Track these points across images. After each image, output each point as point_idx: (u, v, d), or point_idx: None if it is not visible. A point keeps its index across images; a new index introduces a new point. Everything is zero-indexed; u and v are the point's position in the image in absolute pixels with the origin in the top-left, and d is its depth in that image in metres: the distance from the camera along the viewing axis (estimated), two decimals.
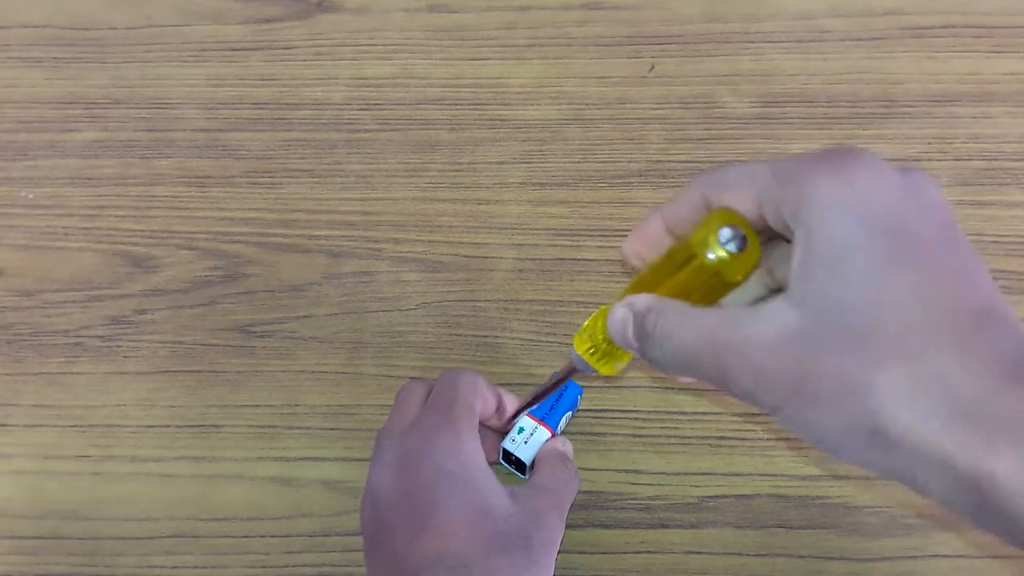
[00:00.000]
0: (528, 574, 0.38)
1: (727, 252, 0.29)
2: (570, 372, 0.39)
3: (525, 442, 0.45)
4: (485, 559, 0.37)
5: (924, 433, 0.25)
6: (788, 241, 0.29)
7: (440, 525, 0.37)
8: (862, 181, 0.27)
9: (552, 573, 0.39)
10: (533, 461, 0.45)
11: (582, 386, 0.48)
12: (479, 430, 0.43)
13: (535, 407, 0.45)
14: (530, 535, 0.39)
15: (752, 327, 0.28)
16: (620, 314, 0.33)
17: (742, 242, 0.29)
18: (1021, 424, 0.24)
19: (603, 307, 0.36)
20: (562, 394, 0.46)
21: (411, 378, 0.47)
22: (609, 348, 0.36)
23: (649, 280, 0.33)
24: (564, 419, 0.46)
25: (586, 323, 0.37)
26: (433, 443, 0.40)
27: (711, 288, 0.31)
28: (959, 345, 0.26)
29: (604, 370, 0.37)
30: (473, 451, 0.40)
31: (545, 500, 0.41)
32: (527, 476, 0.46)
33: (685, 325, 0.30)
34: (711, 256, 0.29)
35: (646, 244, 0.34)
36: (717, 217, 0.30)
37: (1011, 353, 0.26)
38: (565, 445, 0.46)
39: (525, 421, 0.45)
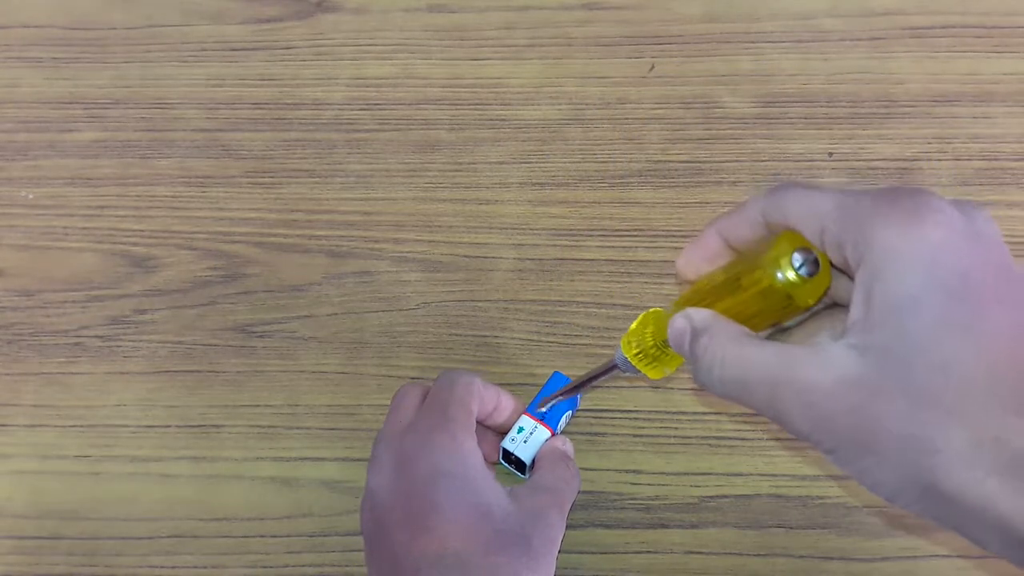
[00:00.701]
0: (528, 572, 0.38)
1: (799, 276, 0.29)
2: (608, 370, 0.39)
3: (525, 441, 0.45)
4: (483, 558, 0.37)
5: (982, 492, 0.26)
6: (840, 269, 0.29)
7: (438, 525, 0.38)
8: (930, 233, 0.27)
9: (553, 572, 0.39)
10: (533, 460, 0.45)
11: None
12: (478, 430, 0.43)
13: (544, 407, 0.45)
14: (529, 534, 0.39)
15: (812, 370, 0.28)
16: (679, 324, 0.32)
17: (814, 266, 0.29)
18: None
19: (652, 310, 0.36)
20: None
21: (409, 379, 0.47)
22: (657, 353, 0.36)
23: (707, 292, 0.33)
24: (564, 418, 0.46)
25: (633, 326, 0.37)
26: (430, 444, 0.40)
27: (775, 310, 0.31)
28: (1020, 406, 0.26)
29: (652, 374, 0.37)
30: (470, 451, 0.40)
31: (545, 499, 0.41)
32: (527, 475, 0.46)
33: (742, 356, 0.30)
34: (782, 277, 0.29)
35: (704, 258, 0.33)
36: (788, 239, 0.30)
37: None
38: (565, 444, 0.46)
39: (525, 421, 0.45)
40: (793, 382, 0.28)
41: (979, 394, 0.26)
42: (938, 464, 0.26)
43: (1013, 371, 0.26)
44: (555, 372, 0.47)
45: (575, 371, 0.49)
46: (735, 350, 0.30)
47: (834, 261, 0.29)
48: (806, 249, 0.30)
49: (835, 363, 0.27)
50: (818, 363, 0.28)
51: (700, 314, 0.32)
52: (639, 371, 0.37)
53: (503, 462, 0.46)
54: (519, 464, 0.45)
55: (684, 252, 0.34)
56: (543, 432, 0.45)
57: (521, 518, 0.39)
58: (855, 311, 0.27)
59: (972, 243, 0.27)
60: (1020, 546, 0.25)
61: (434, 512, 0.38)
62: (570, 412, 0.47)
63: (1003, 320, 0.27)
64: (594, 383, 0.42)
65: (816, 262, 0.30)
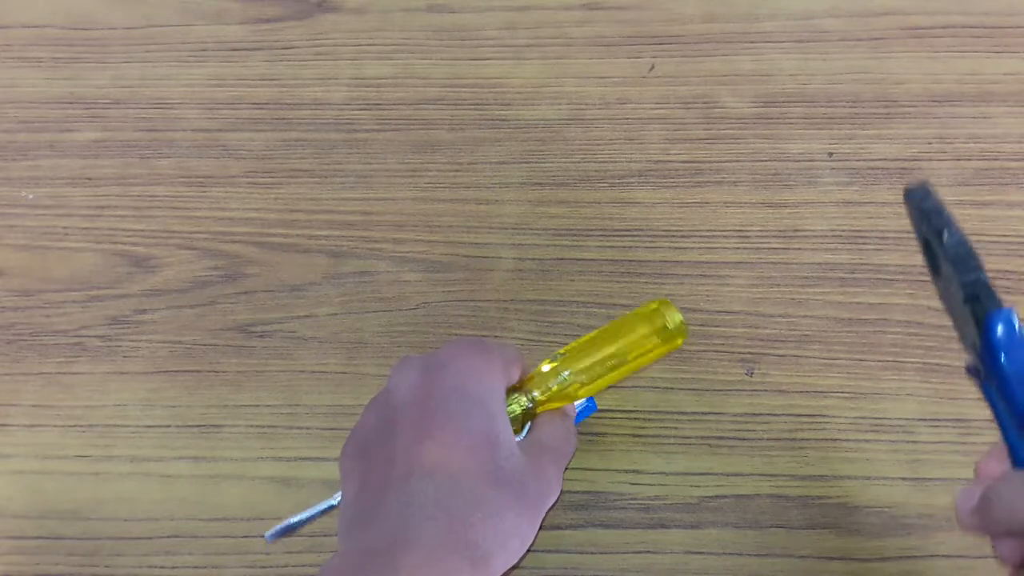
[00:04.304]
0: (513, 515, 0.37)
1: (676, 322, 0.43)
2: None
3: None
4: (474, 486, 0.36)
5: None
6: None
7: (443, 437, 0.36)
8: None
9: (537, 528, 0.38)
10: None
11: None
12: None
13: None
14: (526, 481, 0.38)
15: None
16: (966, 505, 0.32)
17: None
18: None
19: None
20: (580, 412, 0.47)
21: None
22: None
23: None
24: (583, 419, 0.47)
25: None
26: (465, 363, 0.39)
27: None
28: None
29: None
30: (498, 386, 0.39)
31: (545, 455, 0.40)
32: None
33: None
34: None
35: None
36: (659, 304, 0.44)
37: None
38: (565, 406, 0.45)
39: None
40: None
41: None
42: None
43: None
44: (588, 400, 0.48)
45: None
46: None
47: None
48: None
49: None
50: None
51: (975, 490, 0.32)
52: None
53: None
54: None
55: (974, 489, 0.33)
56: None
57: (523, 463, 0.38)
58: None
59: None
60: None
61: (447, 424, 0.37)
62: (589, 413, 0.47)
63: None
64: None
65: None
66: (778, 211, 0.54)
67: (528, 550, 0.38)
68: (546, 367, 0.43)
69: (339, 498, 0.40)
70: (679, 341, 0.44)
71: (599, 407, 0.48)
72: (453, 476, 0.36)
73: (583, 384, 0.43)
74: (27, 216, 0.56)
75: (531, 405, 0.42)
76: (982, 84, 0.58)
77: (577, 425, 0.48)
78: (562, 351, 0.43)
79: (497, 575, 0.36)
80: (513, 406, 0.41)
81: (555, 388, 0.42)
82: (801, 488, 0.46)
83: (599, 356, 0.43)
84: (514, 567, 0.37)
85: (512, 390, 0.42)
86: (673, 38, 0.61)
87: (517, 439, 0.45)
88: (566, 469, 0.43)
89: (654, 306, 0.44)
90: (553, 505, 0.40)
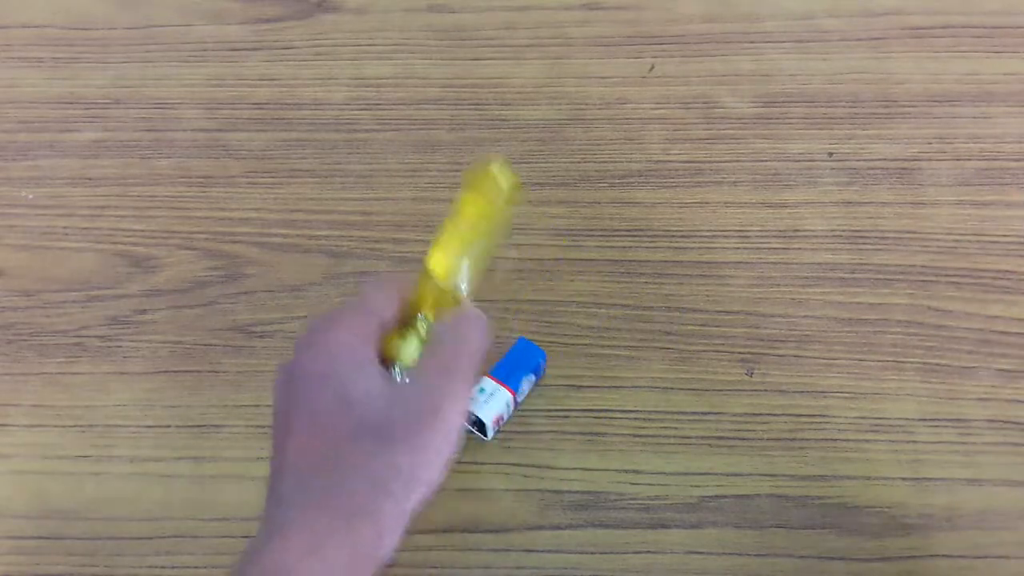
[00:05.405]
0: (377, 461, 0.36)
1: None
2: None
3: (485, 402, 0.46)
4: (336, 451, 0.36)
5: None
6: None
7: (297, 424, 0.37)
8: None
9: (435, 453, 0.36)
10: (492, 421, 0.46)
11: (545, 351, 0.49)
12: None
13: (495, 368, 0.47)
14: (392, 417, 0.36)
15: None
16: None
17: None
18: None
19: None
20: (525, 357, 0.48)
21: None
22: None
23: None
24: (525, 382, 0.47)
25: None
26: (308, 347, 0.39)
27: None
28: None
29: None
30: (344, 345, 0.38)
31: (432, 364, 0.39)
32: (489, 437, 0.47)
33: None
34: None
35: None
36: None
37: None
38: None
39: (486, 382, 0.47)
40: None
41: None
42: None
43: None
44: (520, 338, 0.48)
45: (575, 371, 0.49)
46: None
47: None
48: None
49: None
50: None
51: None
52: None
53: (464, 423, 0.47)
54: (479, 424, 0.46)
55: None
56: (504, 394, 0.46)
57: (386, 402, 0.37)
58: None
59: None
60: None
61: (294, 411, 0.37)
62: (532, 376, 0.48)
63: None
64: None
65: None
66: (778, 211, 0.54)
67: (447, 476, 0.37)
68: (431, 282, 0.41)
69: None
70: (518, 191, 0.40)
71: (598, 408, 0.48)
72: (320, 452, 0.36)
73: (468, 283, 0.41)
74: (27, 216, 0.56)
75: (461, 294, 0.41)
76: (982, 84, 0.59)
77: (538, 378, 0.48)
78: (432, 262, 0.41)
79: (395, 517, 0.36)
80: (411, 341, 0.40)
81: (449, 299, 0.41)
82: (801, 488, 0.46)
83: (468, 250, 0.41)
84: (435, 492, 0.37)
85: (405, 324, 0.41)
86: (673, 38, 0.61)
87: (486, 439, 0.45)
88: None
89: (484, 173, 0.40)
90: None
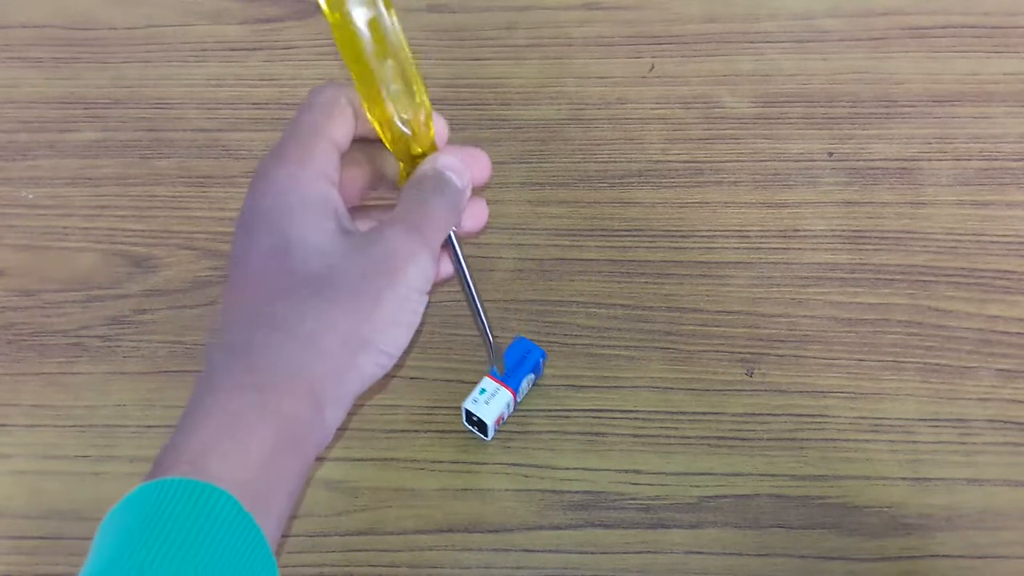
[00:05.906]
0: (309, 318, 0.31)
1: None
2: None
3: (487, 403, 0.46)
4: (265, 312, 0.32)
5: None
6: None
7: (234, 274, 0.33)
8: None
9: (380, 316, 0.33)
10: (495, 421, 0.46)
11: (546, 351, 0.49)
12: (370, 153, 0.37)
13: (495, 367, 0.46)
14: (337, 268, 0.32)
15: None
16: None
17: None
18: None
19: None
20: (525, 356, 0.47)
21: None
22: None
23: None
24: (525, 381, 0.47)
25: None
26: (254, 185, 0.34)
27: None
28: None
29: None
30: (289, 180, 0.33)
31: (401, 217, 0.34)
32: (489, 438, 0.47)
33: None
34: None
35: None
36: None
37: None
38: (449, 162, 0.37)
39: (487, 382, 0.46)
40: None
41: None
42: None
43: None
44: (518, 335, 0.48)
45: (575, 370, 0.49)
46: None
47: None
48: None
49: None
50: None
51: None
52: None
53: (466, 423, 0.47)
54: (481, 425, 0.46)
55: None
56: (505, 394, 0.46)
57: (343, 250, 0.32)
58: None
59: None
60: None
61: (235, 262, 0.33)
62: (532, 375, 0.48)
63: None
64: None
65: None
66: (778, 211, 0.54)
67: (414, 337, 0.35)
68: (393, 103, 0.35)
69: None
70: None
71: (598, 408, 0.48)
72: (250, 306, 0.32)
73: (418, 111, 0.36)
74: (27, 216, 0.56)
75: (408, 132, 0.36)
76: (982, 84, 0.59)
77: (537, 377, 0.48)
78: (372, 120, 0.36)
79: (334, 383, 0.32)
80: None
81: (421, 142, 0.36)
82: (801, 488, 0.46)
83: (385, 82, 0.35)
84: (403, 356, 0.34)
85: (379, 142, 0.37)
86: (673, 38, 0.61)
87: (486, 439, 0.45)
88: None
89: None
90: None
